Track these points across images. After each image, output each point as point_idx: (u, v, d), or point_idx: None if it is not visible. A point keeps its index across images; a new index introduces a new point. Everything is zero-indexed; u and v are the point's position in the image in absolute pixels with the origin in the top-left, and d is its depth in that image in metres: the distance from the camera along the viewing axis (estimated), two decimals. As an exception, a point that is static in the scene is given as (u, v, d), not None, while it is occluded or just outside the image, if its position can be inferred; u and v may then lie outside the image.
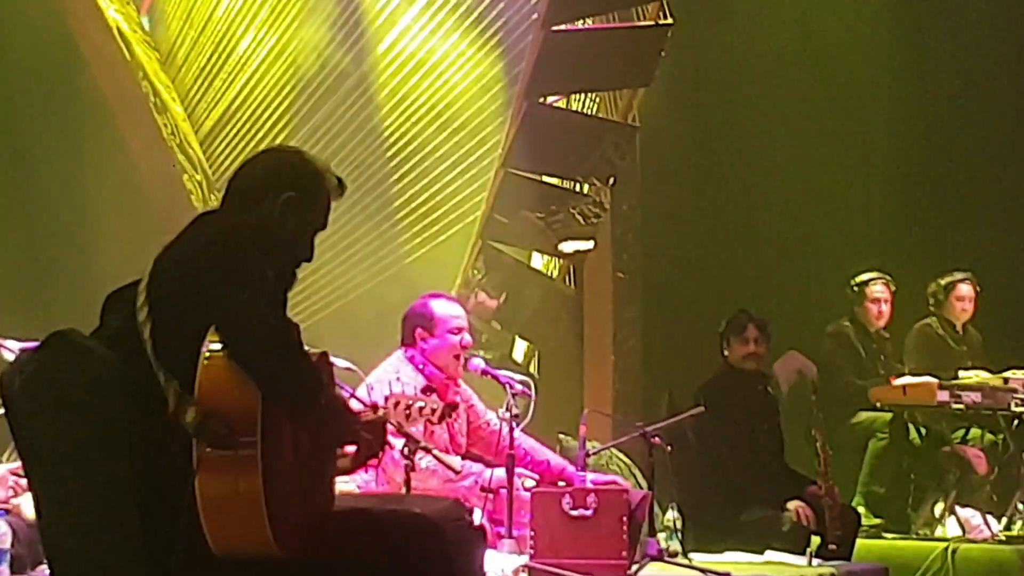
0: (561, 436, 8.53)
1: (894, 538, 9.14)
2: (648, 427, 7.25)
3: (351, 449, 4.44)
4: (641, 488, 7.70)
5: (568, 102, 10.67)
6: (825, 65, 11.56)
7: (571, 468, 6.94)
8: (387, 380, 6.43)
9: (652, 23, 10.38)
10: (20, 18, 9.71)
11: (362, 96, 10.35)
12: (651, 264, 11.39)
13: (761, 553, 7.60)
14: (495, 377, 6.79)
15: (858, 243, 11.32)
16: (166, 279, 4.04)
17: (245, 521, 3.88)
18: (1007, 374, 9.37)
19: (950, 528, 9.30)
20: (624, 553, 6.37)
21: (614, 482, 7.04)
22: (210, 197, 10.44)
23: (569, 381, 10.64)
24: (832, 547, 7.70)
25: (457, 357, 6.84)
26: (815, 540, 7.64)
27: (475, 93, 10.35)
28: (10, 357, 5.47)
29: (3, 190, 9.62)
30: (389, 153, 10.38)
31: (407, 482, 5.85)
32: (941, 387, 9.15)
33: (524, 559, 6.26)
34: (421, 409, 5.36)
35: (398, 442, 5.79)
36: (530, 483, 6.78)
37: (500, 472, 6.49)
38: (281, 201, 4.19)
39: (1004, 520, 9.23)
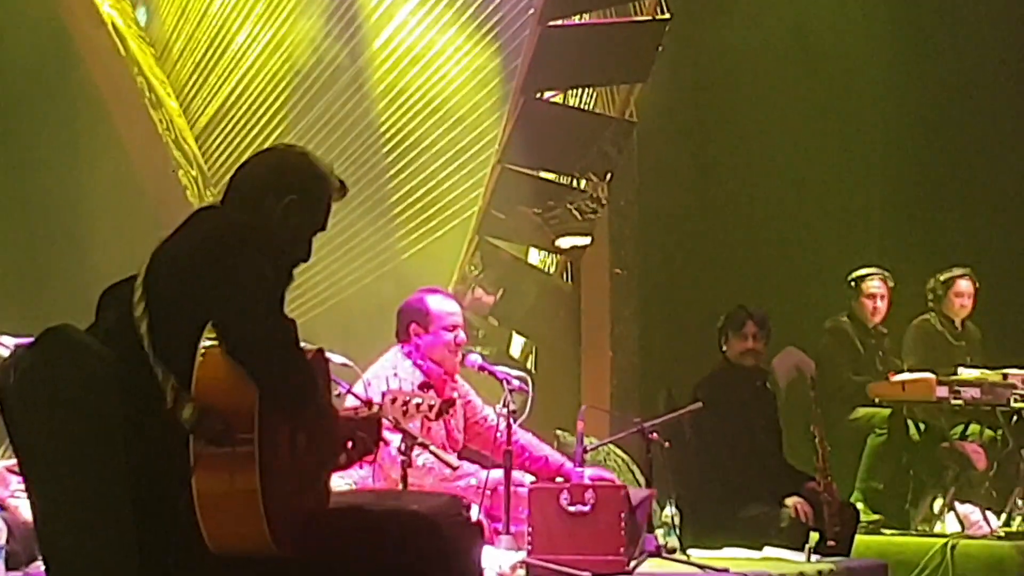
0: (558, 432, 8.52)
1: (893, 534, 9.15)
2: (646, 423, 7.25)
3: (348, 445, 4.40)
4: (639, 485, 7.69)
5: (565, 97, 10.64)
6: (823, 60, 11.55)
7: (569, 464, 6.93)
8: (384, 376, 6.44)
9: (649, 18, 10.35)
10: (14, 13, 9.68)
11: (358, 91, 10.32)
12: (649, 260, 11.38)
13: (759, 549, 7.58)
14: (492, 373, 6.78)
15: (857, 238, 11.31)
16: (163, 274, 4.03)
17: (242, 518, 3.87)
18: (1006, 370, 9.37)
19: (949, 524, 9.31)
20: (622, 549, 6.35)
21: (610, 479, 7.02)
22: (206, 193, 10.41)
23: (566, 377, 10.63)
24: (831, 543, 7.69)
25: (452, 353, 6.84)
26: (814, 536, 7.62)
27: (472, 88, 10.32)
28: (5, 353, 5.46)
29: (-2, 186, 9.62)
30: (386, 148, 10.34)
31: (404, 478, 5.83)
32: (940, 383, 9.16)
33: (522, 555, 6.24)
34: (418, 405, 5.36)
35: (395, 438, 5.78)
36: (529, 479, 6.77)
37: (497, 474, 6.47)
38: (283, 203, 4.18)
39: (1003, 516, 9.24)
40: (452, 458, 6.40)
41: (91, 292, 4.19)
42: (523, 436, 6.91)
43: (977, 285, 9.98)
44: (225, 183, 4.34)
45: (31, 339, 4.07)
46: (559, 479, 6.87)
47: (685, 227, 11.56)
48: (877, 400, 9.47)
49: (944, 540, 8.73)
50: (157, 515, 3.91)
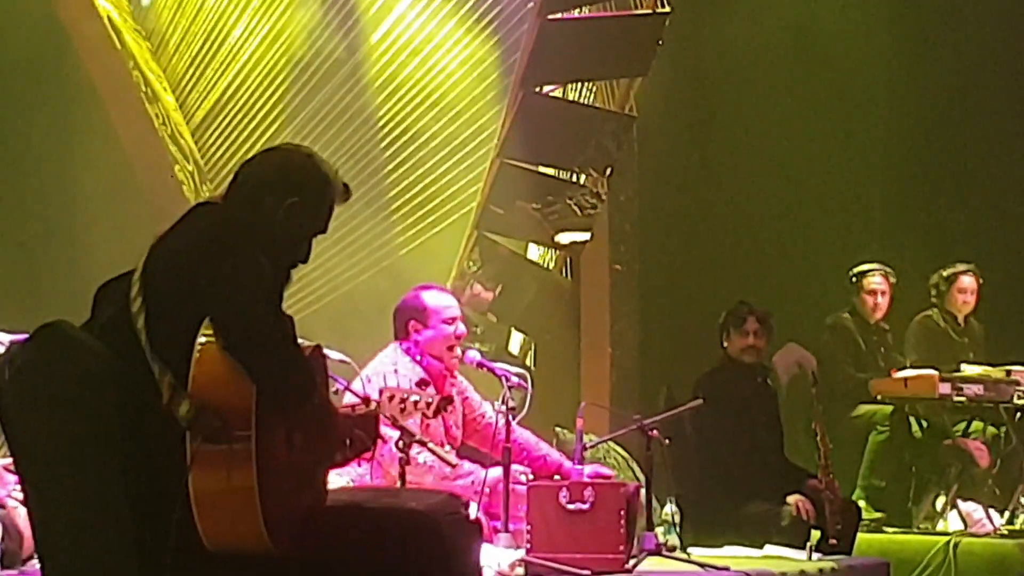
0: (558, 429, 8.51)
1: (895, 532, 9.15)
2: (646, 420, 7.22)
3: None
4: (639, 482, 7.65)
5: (565, 92, 10.62)
6: (824, 55, 11.52)
7: (568, 463, 6.91)
8: (383, 373, 6.42)
9: (649, 12, 10.34)
10: (9, 7, 9.66)
11: (356, 85, 10.29)
12: (649, 256, 11.36)
13: (761, 547, 7.58)
14: (491, 370, 6.77)
15: (858, 234, 11.28)
16: (161, 269, 4.01)
17: (239, 516, 3.86)
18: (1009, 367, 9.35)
19: (952, 522, 9.30)
20: (621, 547, 6.31)
21: (609, 476, 6.99)
22: (202, 188, 10.37)
23: (566, 374, 10.62)
24: (832, 541, 7.69)
25: (451, 348, 6.83)
26: (815, 534, 7.63)
27: (471, 82, 10.30)
28: (0, 350, 5.41)
29: (-7, 181, 9.58)
30: (383, 143, 10.32)
31: (402, 476, 5.80)
32: (942, 380, 9.16)
33: (520, 553, 6.20)
34: (416, 403, 5.34)
35: (394, 435, 5.75)
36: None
37: (496, 473, 6.43)
38: (285, 205, 4.16)
39: (1006, 514, 9.25)
40: (451, 456, 6.40)
41: (86, 288, 4.18)
42: (521, 435, 6.90)
43: (980, 281, 9.96)
44: (221, 178, 4.33)
45: (26, 335, 4.07)
46: (557, 477, 6.82)
47: (685, 223, 11.54)
48: (879, 397, 9.46)
49: (947, 538, 8.72)
50: (153, 513, 3.90)
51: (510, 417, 6.52)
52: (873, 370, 9.71)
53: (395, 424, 5.63)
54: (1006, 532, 9.02)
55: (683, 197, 11.52)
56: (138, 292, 3.97)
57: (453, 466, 6.36)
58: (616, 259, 11.23)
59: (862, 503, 8.92)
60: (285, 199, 4.16)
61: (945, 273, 9.98)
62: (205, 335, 3.92)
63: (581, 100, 10.72)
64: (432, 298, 6.90)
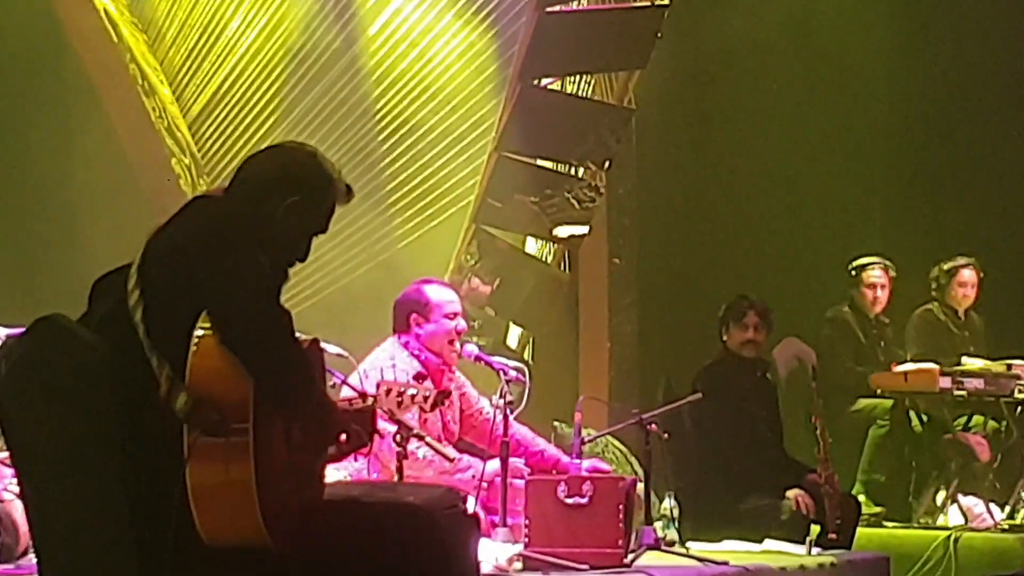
0: (556, 423, 8.50)
1: (895, 527, 9.15)
2: (645, 414, 7.20)
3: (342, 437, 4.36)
4: (637, 476, 7.64)
5: (563, 84, 10.60)
6: (824, 48, 11.51)
7: (565, 459, 6.89)
8: (381, 367, 6.41)
9: (648, 4, 10.35)
10: (5, 0, 9.61)
11: (354, 78, 10.27)
12: (647, 249, 11.35)
13: (760, 542, 7.57)
14: (489, 364, 6.76)
15: (858, 227, 11.27)
16: (159, 262, 4.00)
17: (236, 509, 3.85)
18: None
19: (952, 517, 9.30)
20: (620, 542, 6.29)
21: (608, 470, 6.98)
22: (199, 181, 10.35)
23: (564, 368, 10.62)
24: (832, 536, 7.68)
25: (452, 342, 6.82)
26: (815, 529, 7.63)
27: (469, 75, 10.28)
28: (-4, 344, 5.40)
29: (-11, 174, 9.56)
30: (381, 136, 10.31)
31: (399, 470, 5.79)
32: (943, 374, 9.17)
33: (519, 547, 6.18)
34: (413, 396, 5.33)
35: (392, 429, 5.73)
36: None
37: (494, 466, 6.42)
38: (285, 204, 4.15)
39: (1007, 508, 9.23)
40: (450, 450, 6.39)
41: (83, 281, 4.17)
42: (519, 430, 6.89)
43: (981, 274, 9.94)
44: (218, 171, 4.32)
45: (22, 329, 4.05)
46: (555, 472, 6.80)
47: (684, 216, 11.52)
48: (879, 391, 9.45)
49: (947, 533, 8.72)
50: (151, 507, 3.89)
51: (508, 411, 6.49)
52: (873, 364, 9.70)
53: (392, 418, 5.62)
54: (1007, 527, 9.01)
55: (682, 190, 11.50)
56: (136, 284, 3.96)
57: (452, 460, 6.35)
58: (615, 253, 11.23)
59: (862, 497, 8.90)
60: (286, 198, 4.15)
61: (945, 267, 9.95)
62: (203, 328, 3.91)
63: (579, 93, 10.71)
64: (434, 292, 6.89)
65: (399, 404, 5.28)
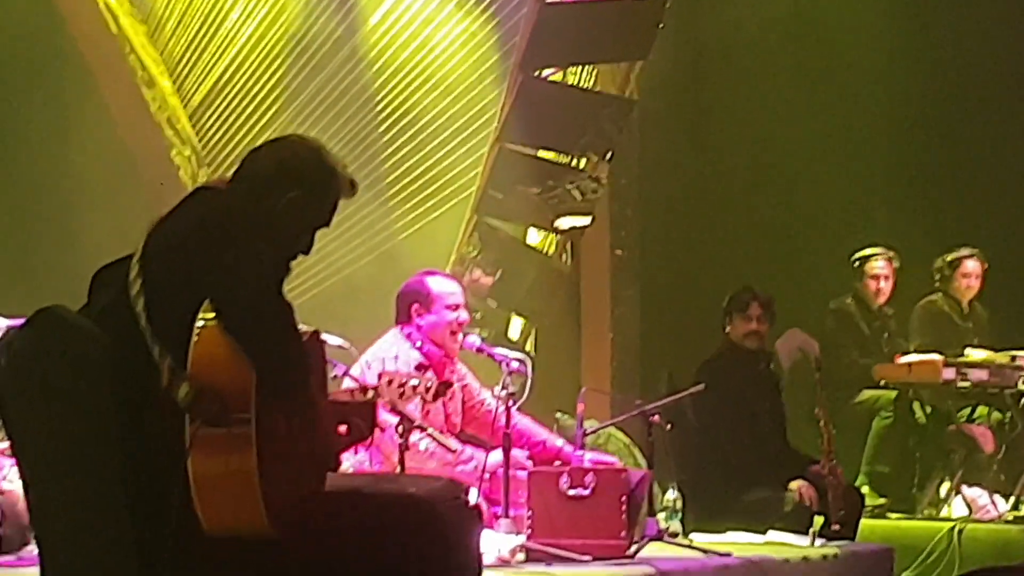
0: (558, 415, 8.49)
1: (899, 518, 9.14)
2: (647, 405, 7.19)
3: (342, 429, 4.38)
4: (640, 467, 7.63)
5: (564, 75, 10.58)
6: (825, 38, 11.48)
7: (568, 449, 6.87)
8: (383, 358, 6.40)
9: (650, -6, 10.29)
10: (4, -9, 9.62)
11: (354, 68, 10.25)
12: (649, 240, 11.34)
13: (763, 533, 7.57)
14: (491, 355, 6.74)
15: (862, 218, 11.23)
16: (161, 252, 3.99)
17: (239, 500, 3.84)
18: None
19: (956, 508, 9.31)
20: (623, 533, 6.27)
21: (611, 463, 6.96)
22: (199, 172, 10.34)
23: (566, 359, 10.61)
24: (835, 527, 7.67)
25: (454, 334, 6.80)
26: (818, 520, 7.61)
27: (470, 65, 10.28)
28: (-4, 335, 5.39)
29: (-12, 166, 9.54)
30: (382, 127, 10.29)
31: (401, 461, 5.77)
32: (947, 365, 9.16)
33: (521, 539, 6.16)
34: (415, 387, 5.31)
35: (394, 421, 5.72)
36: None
37: (496, 457, 6.40)
38: (286, 199, 4.13)
39: (1011, 500, 9.21)
40: (452, 441, 6.37)
41: (83, 273, 4.16)
42: (521, 421, 6.88)
43: (985, 265, 9.92)
44: (219, 162, 4.30)
45: (22, 320, 4.04)
46: (557, 463, 6.79)
47: (686, 207, 11.50)
48: (883, 382, 9.44)
49: (951, 524, 8.70)
50: (152, 498, 3.87)
51: (510, 403, 6.47)
52: (876, 355, 9.68)
53: (394, 410, 5.60)
54: (1011, 518, 9.00)
55: (684, 181, 11.47)
56: (137, 275, 3.95)
57: (454, 452, 6.33)
58: (617, 244, 11.22)
59: (865, 489, 8.91)
60: (286, 193, 4.13)
61: (949, 258, 9.93)
62: (204, 318, 3.89)
63: (581, 84, 10.70)
64: (436, 283, 6.88)
65: (401, 395, 5.27)
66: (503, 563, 5.89)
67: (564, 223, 10.44)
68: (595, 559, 6.13)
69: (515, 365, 6.60)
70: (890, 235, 10.30)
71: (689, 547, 6.84)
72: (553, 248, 10.79)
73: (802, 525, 7.49)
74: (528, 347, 10.25)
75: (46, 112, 9.63)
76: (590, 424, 7.21)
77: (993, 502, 9.12)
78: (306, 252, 4.23)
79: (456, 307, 6.81)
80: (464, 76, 10.26)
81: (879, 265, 9.86)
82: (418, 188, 10.31)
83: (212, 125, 10.50)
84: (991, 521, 8.94)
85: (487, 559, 5.27)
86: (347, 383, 6.03)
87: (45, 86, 9.76)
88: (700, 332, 9.14)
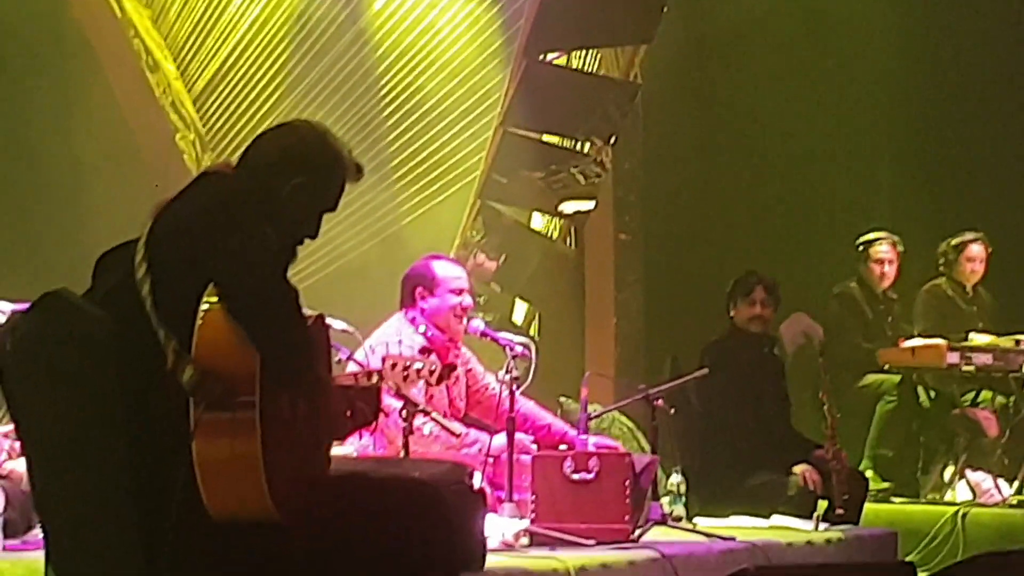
0: (562, 399, 8.48)
1: (903, 502, 9.12)
2: (651, 390, 7.18)
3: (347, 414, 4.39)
4: (644, 452, 7.62)
5: (568, 60, 10.56)
6: (831, 22, 11.46)
7: (572, 432, 6.87)
8: (387, 342, 6.38)
9: (654, -22, 10.29)
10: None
11: (359, 52, 10.25)
12: (653, 225, 11.33)
13: (767, 517, 7.56)
14: (495, 339, 6.72)
15: (866, 202, 11.22)
16: (167, 236, 4.00)
17: (243, 483, 3.85)
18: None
19: (960, 492, 9.29)
20: (627, 517, 6.27)
21: (615, 447, 6.95)
22: (203, 157, 10.33)
23: (570, 343, 10.60)
24: (839, 512, 7.65)
25: (457, 318, 6.78)
26: (822, 504, 7.60)
27: (474, 50, 10.27)
28: (1, 319, 5.38)
29: (-7, 151, 9.53)
30: (387, 111, 10.27)
31: (405, 445, 5.77)
32: (951, 349, 9.12)
33: (525, 523, 6.16)
34: (419, 370, 5.31)
35: (398, 405, 5.72)
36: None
37: (500, 441, 6.38)
38: (291, 184, 4.15)
39: (1015, 484, 9.19)
40: (456, 425, 6.36)
41: (88, 257, 4.16)
42: (525, 405, 6.86)
43: (989, 249, 9.89)
44: (223, 147, 4.30)
45: (28, 304, 4.05)
46: (562, 447, 6.79)
47: (691, 191, 11.48)
48: (887, 367, 9.41)
49: (955, 508, 8.68)
50: (157, 480, 3.88)
51: (514, 387, 6.47)
52: (880, 339, 9.65)
53: (398, 393, 5.60)
54: (1015, 502, 8.98)
55: (688, 165, 11.46)
56: (143, 258, 3.96)
57: (458, 436, 6.33)
58: (621, 228, 11.21)
59: (869, 473, 8.89)
60: (291, 179, 4.15)
61: (954, 242, 9.90)
62: (208, 301, 3.90)
63: (585, 68, 10.68)
64: (441, 267, 6.87)
65: (405, 378, 5.26)
66: (507, 547, 5.88)
67: (568, 207, 10.45)
68: (599, 543, 6.11)
69: (519, 349, 6.58)
70: (894, 219, 10.28)
71: (693, 531, 6.83)
72: (557, 232, 10.79)
73: (806, 509, 7.47)
74: (532, 331, 10.26)
75: (50, 97, 9.61)
76: (594, 408, 7.20)
77: (997, 486, 9.10)
78: (313, 236, 4.24)
79: (460, 291, 6.79)
80: (468, 60, 10.26)
81: (883, 249, 9.83)
82: (422, 172, 10.31)
83: (216, 109, 10.50)
84: (995, 505, 8.93)
85: (491, 543, 5.27)
86: (351, 367, 6.02)
87: (49, 71, 9.74)
88: (704, 316, 9.12)
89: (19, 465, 5.64)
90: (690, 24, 11.12)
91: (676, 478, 7.28)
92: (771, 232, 11.15)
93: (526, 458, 6.46)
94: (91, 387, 3.87)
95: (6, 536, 5.48)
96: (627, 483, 6.32)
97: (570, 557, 5.56)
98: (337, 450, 4.48)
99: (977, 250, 9.87)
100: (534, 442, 6.79)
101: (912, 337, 9.54)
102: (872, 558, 7.48)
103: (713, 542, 6.59)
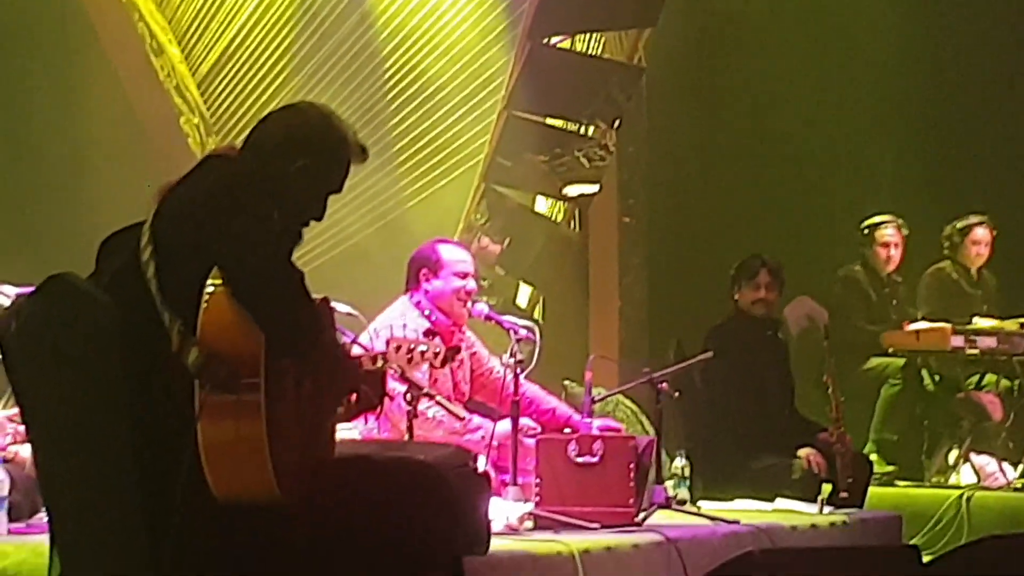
0: (566, 382, 8.46)
1: (907, 486, 9.11)
2: (655, 373, 7.17)
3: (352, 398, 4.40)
4: (648, 435, 7.62)
5: (572, 43, 10.55)
6: (834, 5, 11.41)
7: (576, 416, 6.86)
8: (391, 325, 6.37)
9: (658, -38, 10.27)
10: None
11: (363, 36, 10.23)
12: (657, 208, 11.31)
13: (771, 501, 7.55)
14: (499, 323, 6.73)
15: (870, 185, 11.19)
16: (172, 219, 4.01)
17: (248, 466, 3.86)
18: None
19: (965, 476, 9.27)
20: (631, 500, 6.27)
21: (619, 429, 6.95)
22: (207, 140, 10.33)
23: (574, 326, 10.59)
24: (843, 495, 7.62)
25: (461, 301, 6.76)
26: (826, 488, 7.56)
27: (478, 33, 10.25)
28: (5, 302, 5.40)
29: (-2, 134, 9.53)
30: (391, 95, 10.26)
31: (409, 429, 5.77)
32: (955, 332, 9.11)
33: (529, 506, 6.16)
34: (423, 353, 5.30)
35: (402, 389, 5.71)
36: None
37: (505, 425, 6.39)
38: (295, 167, 4.16)
39: (1020, 467, 9.17)
40: (460, 409, 6.36)
41: (92, 241, 4.17)
42: (530, 388, 6.87)
43: (994, 232, 9.87)
44: (227, 130, 4.31)
45: (32, 288, 4.06)
46: (567, 430, 6.79)
47: (695, 175, 11.46)
48: (891, 350, 9.40)
49: (959, 492, 8.67)
50: (162, 463, 3.89)
51: (518, 370, 6.47)
52: (885, 323, 9.64)
53: (403, 377, 5.59)
54: (1020, 486, 8.97)
55: (692, 149, 11.43)
56: (148, 241, 3.97)
57: (462, 420, 6.34)
58: (625, 211, 11.20)
59: (874, 456, 8.87)
60: (296, 161, 4.15)
61: (959, 225, 9.88)
62: (213, 283, 3.90)
63: (589, 51, 10.66)
64: (447, 250, 6.86)
65: (409, 360, 5.26)
66: (511, 530, 5.88)
67: (572, 191, 10.44)
68: (603, 527, 6.12)
69: (523, 333, 6.59)
70: (899, 202, 10.26)
71: (697, 515, 6.82)
72: (561, 216, 10.78)
73: (810, 493, 7.45)
74: (536, 315, 10.25)
75: (55, 80, 9.61)
76: (598, 392, 7.19)
77: (1002, 470, 9.08)
78: (319, 218, 4.24)
79: (464, 275, 6.78)
80: (472, 43, 10.24)
81: (889, 232, 9.82)
82: (426, 155, 10.30)
83: (221, 93, 10.49)
84: (1000, 489, 8.92)
85: (495, 526, 5.27)
86: (356, 351, 6.02)
87: (53, 54, 9.73)
88: (708, 299, 9.10)
89: (24, 449, 5.66)
90: (694, 8, 11.10)
91: (680, 461, 7.29)
92: (775, 215, 11.12)
93: (530, 441, 6.47)
94: (96, 370, 3.89)
95: (11, 519, 5.49)
96: (631, 466, 6.32)
97: (574, 540, 5.56)
98: (341, 433, 4.47)
99: (982, 233, 9.85)
100: (538, 423, 6.79)
101: (916, 320, 9.53)
102: (876, 541, 7.48)
103: (717, 525, 6.60)
